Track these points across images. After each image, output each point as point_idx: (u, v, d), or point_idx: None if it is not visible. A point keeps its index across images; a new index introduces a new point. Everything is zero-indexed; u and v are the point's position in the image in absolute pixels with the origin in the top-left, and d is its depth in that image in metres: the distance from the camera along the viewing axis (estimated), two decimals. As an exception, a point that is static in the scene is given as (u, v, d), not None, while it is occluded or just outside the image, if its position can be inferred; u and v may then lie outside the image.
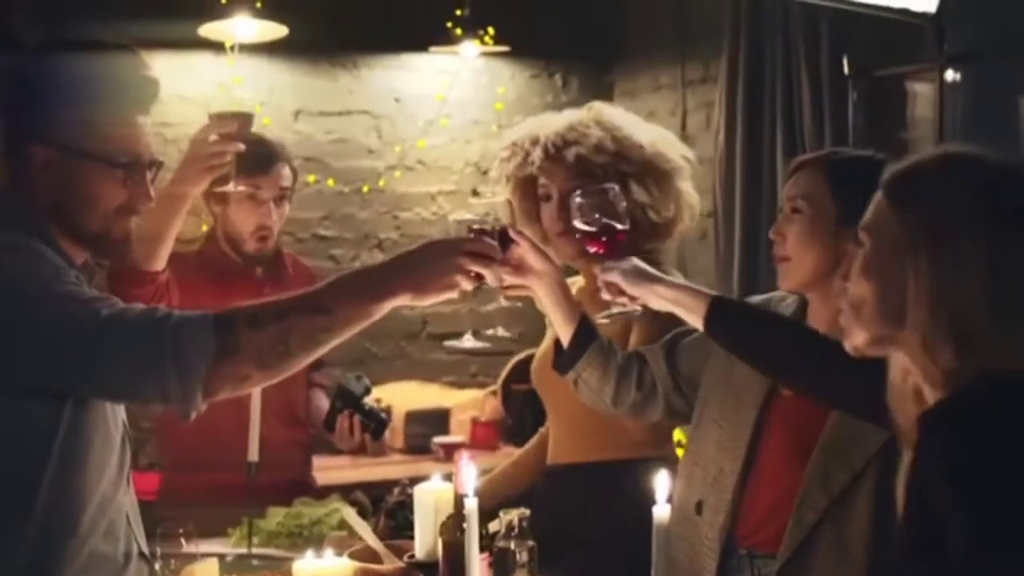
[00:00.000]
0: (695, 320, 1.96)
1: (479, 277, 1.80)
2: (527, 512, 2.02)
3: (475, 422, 4.60)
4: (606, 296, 2.06)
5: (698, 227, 4.63)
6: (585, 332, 2.16)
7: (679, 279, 2.07)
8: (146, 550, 1.85)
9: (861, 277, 1.41)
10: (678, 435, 2.73)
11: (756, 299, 2.25)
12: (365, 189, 4.81)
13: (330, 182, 4.75)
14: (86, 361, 1.59)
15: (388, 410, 2.79)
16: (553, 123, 2.51)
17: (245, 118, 2.40)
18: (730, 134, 4.13)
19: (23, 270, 1.63)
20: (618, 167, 2.44)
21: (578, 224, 2.05)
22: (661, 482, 1.49)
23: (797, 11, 3.92)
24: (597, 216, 2.03)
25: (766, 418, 2.04)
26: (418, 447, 4.46)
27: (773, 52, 4.01)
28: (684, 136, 4.72)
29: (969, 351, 1.31)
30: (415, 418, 4.51)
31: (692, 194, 2.57)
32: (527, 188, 2.54)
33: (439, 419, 4.58)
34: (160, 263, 2.50)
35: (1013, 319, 1.30)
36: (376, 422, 2.70)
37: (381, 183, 4.84)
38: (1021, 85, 3.78)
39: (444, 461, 4.23)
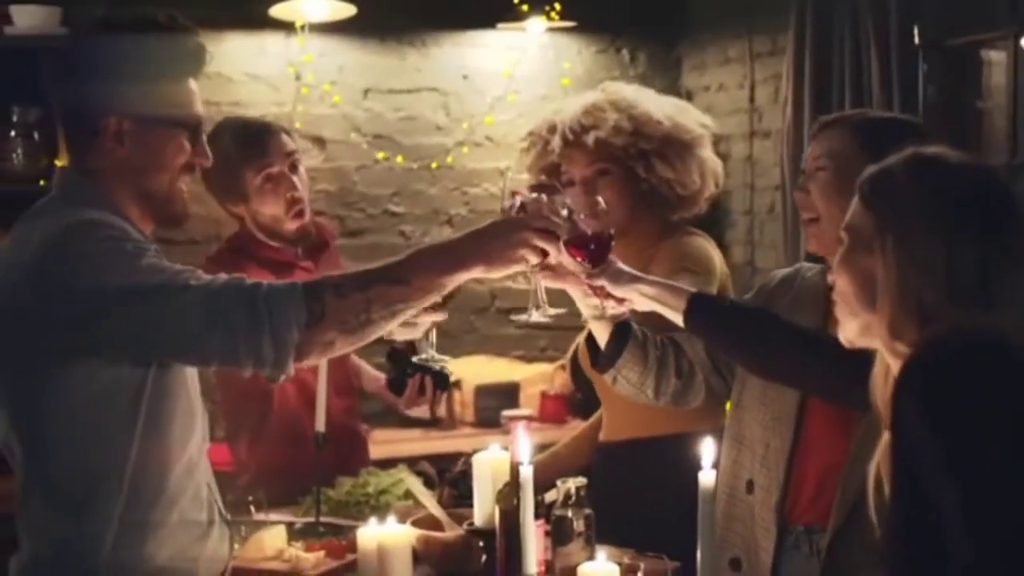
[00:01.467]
0: (676, 316, 1.99)
1: (544, 253, 1.85)
2: (584, 481, 2.06)
3: (544, 396, 4.63)
4: (591, 303, 2.08)
5: (767, 200, 4.62)
6: (622, 329, 2.17)
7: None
8: (227, 516, 1.95)
9: (841, 271, 1.53)
10: (730, 407, 2.74)
11: (782, 273, 2.25)
12: (434, 165, 4.86)
13: (399, 159, 4.80)
14: (178, 329, 1.69)
15: (447, 369, 2.77)
16: (569, 109, 2.54)
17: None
18: (798, 107, 4.09)
19: (108, 246, 1.72)
20: (638, 145, 2.47)
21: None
22: (706, 448, 1.52)
23: (866, -20, 3.86)
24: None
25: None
26: (488, 420, 4.49)
27: (841, 23, 3.96)
28: (752, 109, 4.70)
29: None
30: (485, 392, 4.55)
31: (715, 160, 2.58)
32: (552, 175, 2.56)
33: (509, 393, 4.62)
34: None
35: (970, 303, 1.41)
36: (438, 376, 2.72)
37: (449, 159, 4.88)
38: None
39: (513, 434, 4.27)
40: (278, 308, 1.68)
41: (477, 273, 1.81)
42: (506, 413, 4.47)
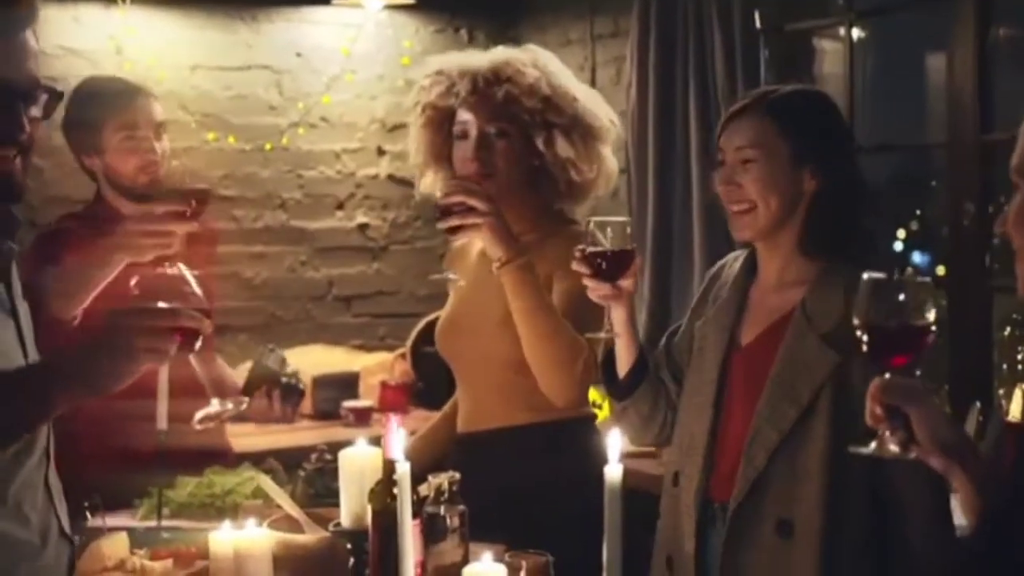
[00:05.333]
0: None
1: (185, 336, 1.54)
2: (456, 476, 1.96)
3: (384, 385, 4.50)
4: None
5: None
6: (642, 363, 2.13)
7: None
8: (68, 529, 1.72)
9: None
10: (593, 395, 2.68)
11: (711, 271, 2.22)
12: (267, 147, 4.65)
13: (230, 139, 4.58)
14: None
15: (299, 379, 2.71)
16: (487, 56, 2.41)
17: (202, 194, 2.21)
18: (642, 89, 4.07)
19: None
20: (546, 116, 2.36)
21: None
22: (613, 441, 1.44)
23: (709, -37, 3.87)
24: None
25: (727, 374, 2.04)
26: (327, 412, 4.34)
27: (685, 4, 3.96)
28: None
29: None
30: (323, 382, 4.39)
31: (612, 160, 2.50)
32: (442, 122, 2.43)
33: (348, 383, 4.47)
34: (75, 312, 2.28)
35: None
36: (295, 395, 2.61)
37: (284, 141, 4.68)
38: (929, 40, 3.81)
39: (354, 426, 4.14)
40: None
41: (80, 400, 1.48)
42: (346, 404, 4.34)
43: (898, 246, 3.78)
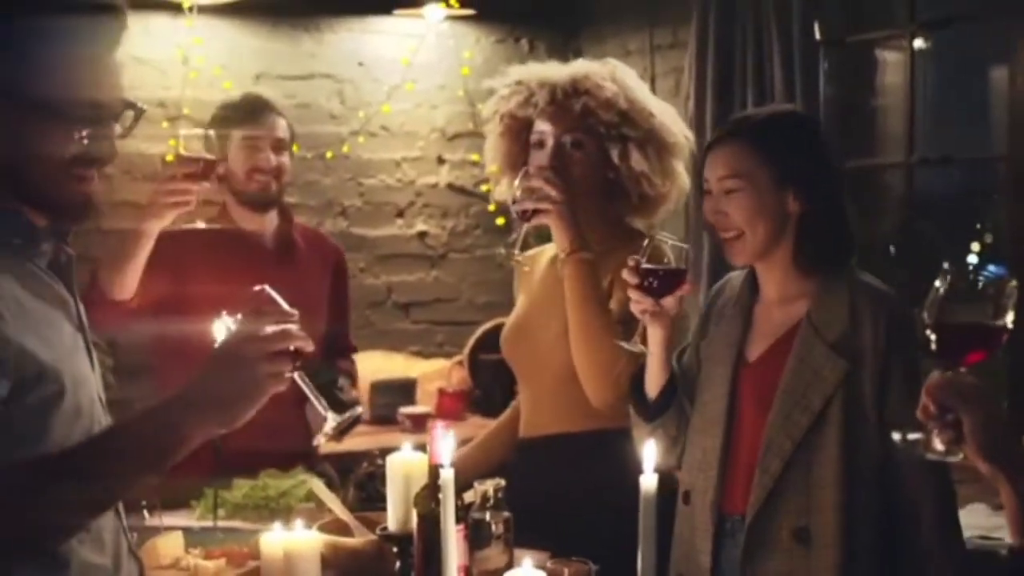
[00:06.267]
0: None
1: (296, 358, 1.52)
2: (502, 483, 1.98)
3: (442, 392, 4.55)
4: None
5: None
6: (673, 386, 2.14)
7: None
8: (136, 549, 1.71)
9: None
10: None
11: (713, 290, 2.23)
12: (328, 155, 4.72)
13: (293, 147, 4.64)
14: None
15: (356, 399, 2.79)
16: (566, 68, 2.44)
17: (209, 162, 2.59)
18: (700, 100, 4.07)
19: None
20: (622, 129, 2.38)
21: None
22: (648, 451, 1.45)
23: (768, -26, 3.87)
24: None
25: (737, 389, 2.06)
26: (384, 417, 4.40)
27: (744, 16, 3.95)
28: (653, 102, 4.67)
29: None
30: (381, 388, 4.46)
31: (685, 176, 2.51)
32: (520, 131, 2.47)
33: (405, 389, 4.53)
34: (127, 292, 2.57)
35: None
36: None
37: (345, 149, 4.75)
38: (991, 52, 3.76)
39: (410, 431, 4.18)
40: None
41: (213, 435, 1.45)
42: (403, 410, 4.39)
43: (972, 259, 3.74)
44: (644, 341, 2.12)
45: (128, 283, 2.59)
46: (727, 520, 2.03)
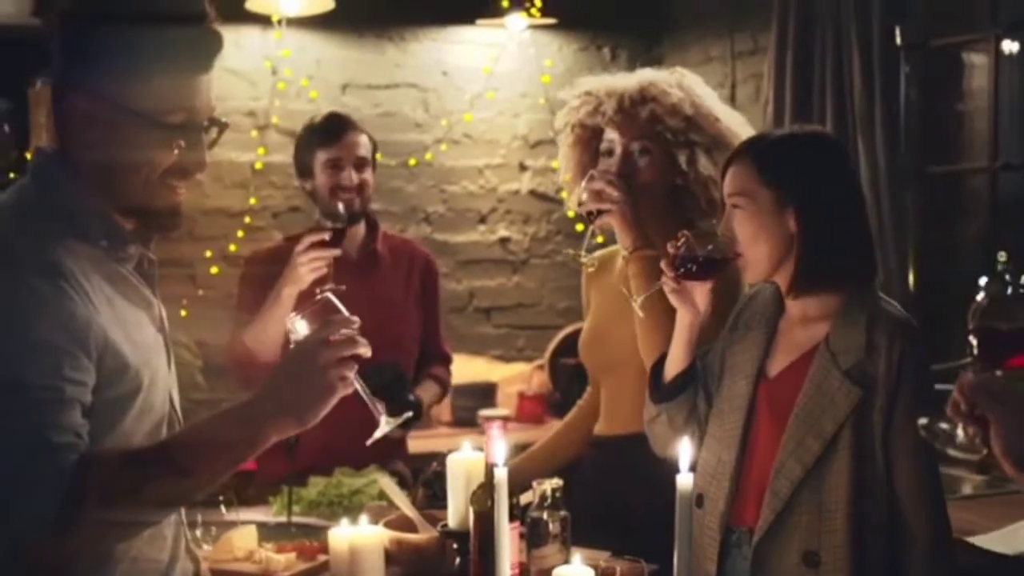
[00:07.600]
0: None
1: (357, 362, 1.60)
2: (560, 483, 2.02)
3: (522, 396, 4.60)
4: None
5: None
6: (691, 373, 2.16)
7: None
8: (193, 549, 1.80)
9: None
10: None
11: (747, 294, 2.23)
12: (412, 162, 4.82)
13: (378, 155, 4.73)
14: None
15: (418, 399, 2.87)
16: (633, 77, 2.48)
17: (339, 230, 2.78)
18: (779, 106, 4.07)
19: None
20: (688, 135, 2.41)
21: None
22: (683, 450, 1.48)
23: (848, -20, 3.85)
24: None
25: (756, 403, 2.07)
26: (465, 420, 4.46)
27: (823, 22, 3.94)
28: (733, 108, 4.66)
29: None
30: (461, 391, 4.51)
31: None
32: (590, 140, 2.52)
33: (486, 392, 4.59)
34: (272, 353, 2.72)
35: None
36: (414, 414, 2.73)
37: (428, 156, 4.84)
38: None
39: (490, 434, 4.22)
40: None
41: (288, 433, 1.54)
42: (483, 413, 4.44)
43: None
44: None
45: (271, 343, 2.72)
46: (734, 531, 2.04)
